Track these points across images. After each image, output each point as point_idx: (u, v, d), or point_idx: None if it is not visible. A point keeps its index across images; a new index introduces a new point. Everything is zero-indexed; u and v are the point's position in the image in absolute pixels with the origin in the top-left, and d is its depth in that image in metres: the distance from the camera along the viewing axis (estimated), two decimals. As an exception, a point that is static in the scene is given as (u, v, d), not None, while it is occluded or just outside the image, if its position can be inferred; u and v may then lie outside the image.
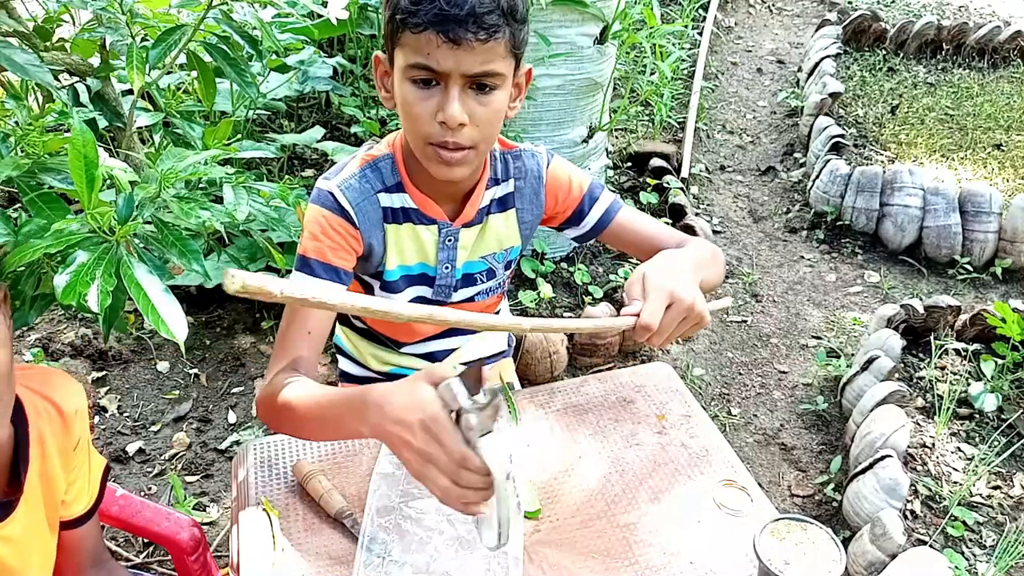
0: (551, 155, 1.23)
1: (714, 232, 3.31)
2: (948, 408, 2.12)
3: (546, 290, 2.57)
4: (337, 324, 1.42)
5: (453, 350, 1.36)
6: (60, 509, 0.94)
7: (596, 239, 1.26)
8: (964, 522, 1.88)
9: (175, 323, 0.85)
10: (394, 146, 1.15)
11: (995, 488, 2.00)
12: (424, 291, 1.22)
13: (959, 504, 1.92)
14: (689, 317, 0.93)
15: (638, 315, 0.92)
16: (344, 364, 1.45)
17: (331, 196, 1.09)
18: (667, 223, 3.03)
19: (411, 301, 1.22)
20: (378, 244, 1.14)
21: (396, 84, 1.01)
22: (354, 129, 2.46)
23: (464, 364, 0.80)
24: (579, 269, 2.75)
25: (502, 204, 1.20)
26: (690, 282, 0.95)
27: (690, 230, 2.95)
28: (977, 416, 2.19)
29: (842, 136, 3.54)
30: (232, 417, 2.26)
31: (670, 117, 3.75)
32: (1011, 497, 1.97)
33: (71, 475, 0.94)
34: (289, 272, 1.12)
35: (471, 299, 1.26)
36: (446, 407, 0.79)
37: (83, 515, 0.97)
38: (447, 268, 1.19)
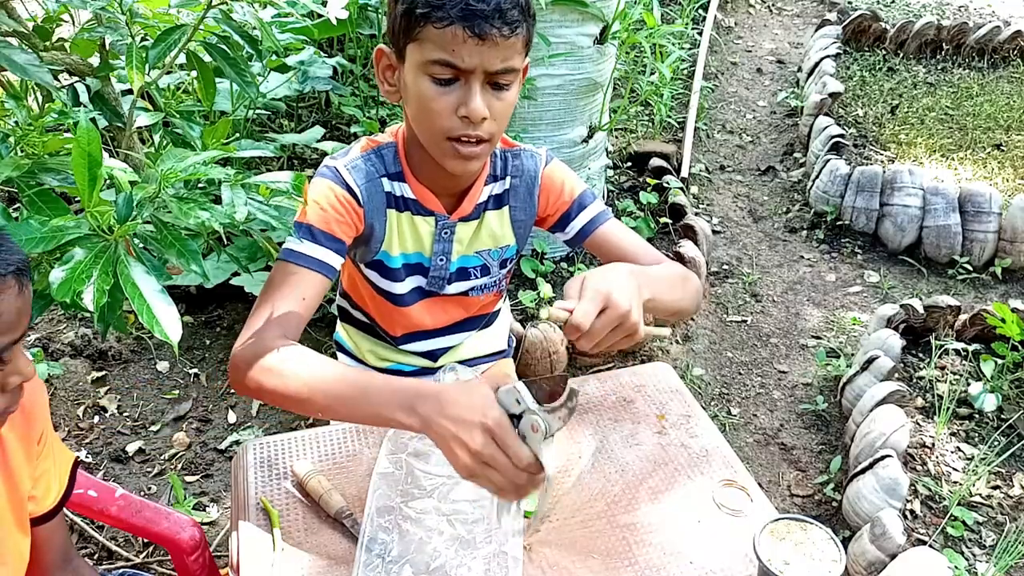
0: (550, 157, 1.23)
1: (714, 232, 3.31)
2: (948, 408, 2.12)
3: (546, 290, 2.57)
4: (338, 321, 1.43)
5: (452, 347, 1.36)
6: (29, 505, 0.93)
7: (580, 246, 1.26)
8: (964, 522, 1.88)
9: (169, 324, 0.84)
10: (397, 136, 1.16)
11: (995, 488, 2.00)
12: (420, 281, 1.23)
13: (959, 504, 1.92)
14: (623, 325, 0.89)
15: (571, 312, 0.88)
16: (344, 361, 1.46)
17: (338, 172, 1.10)
18: (667, 223, 3.04)
19: (410, 291, 1.23)
20: (380, 227, 1.15)
21: (409, 79, 1.01)
22: (354, 129, 2.46)
23: (533, 380, 0.81)
24: (579, 269, 2.75)
25: (498, 201, 1.21)
26: (631, 291, 0.91)
27: (690, 230, 2.95)
28: (977, 416, 2.19)
29: (842, 136, 3.54)
30: (232, 417, 2.26)
31: (670, 117, 3.75)
32: (1011, 497, 1.97)
33: (36, 469, 0.93)
34: None
35: (465, 293, 1.27)
36: (506, 411, 0.80)
37: (53, 509, 0.96)
38: (442, 260, 1.21)
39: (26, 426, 0.89)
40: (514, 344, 1.52)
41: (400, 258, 1.19)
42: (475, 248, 1.23)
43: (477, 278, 1.25)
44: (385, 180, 1.14)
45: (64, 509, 1.01)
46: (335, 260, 1.07)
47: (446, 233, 1.18)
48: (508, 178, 1.20)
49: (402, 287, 1.22)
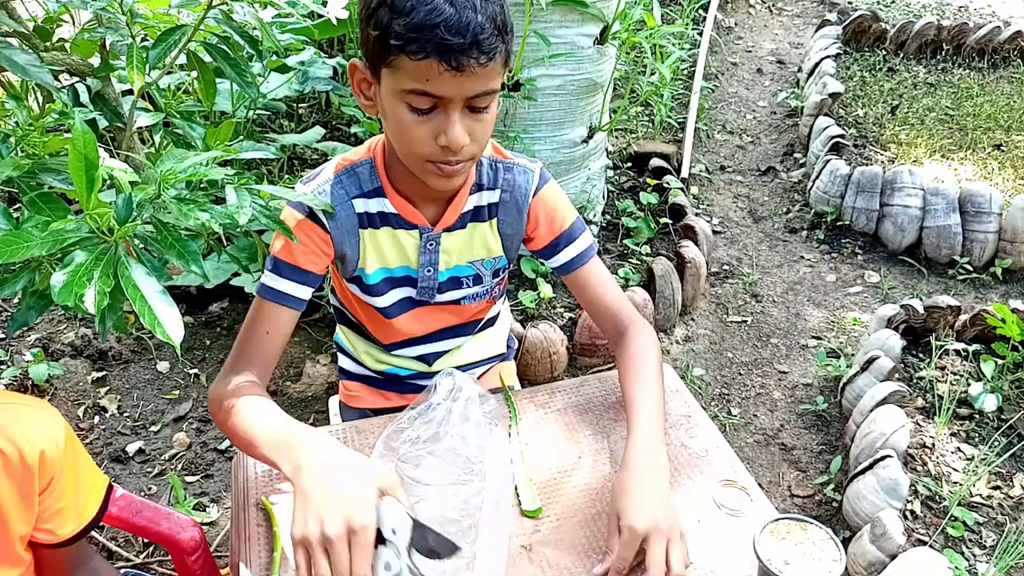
0: (545, 179, 1.21)
1: (714, 232, 3.31)
2: (948, 408, 2.12)
3: (546, 290, 2.57)
4: (337, 323, 1.43)
5: (444, 352, 1.36)
6: (44, 536, 0.94)
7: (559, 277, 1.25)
8: (964, 522, 1.88)
9: (171, 325, 0.84)
10: (374, 151, 1.14)
11: (995, 488, 2.00)
12: (409, 292, 1.22)
13: (959, 504, 1.92)
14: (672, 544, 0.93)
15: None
16: (343, 362, 1.46)
17: (303, 202, 1.10)
18: (667, 223, 3.04)
19: (397, 302, 1.22)
20: (352, 250, 1.14)
21: (386, 103, 0.99)
22: (354, 129, 2.47)
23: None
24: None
25: (487, 212, 1.19)
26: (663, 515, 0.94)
27: (690, 230, 2.95)
28: (977, 416, 2.19)
29: (842, 136, 3.54)
30: (232, 417, 2.26)
31: (670, 117, 3.75)
32: (1011, 497, 1.97)
33: (48, 509, 0.93)
34: None
35: (457, 302, 1.26)
36: (378, 523, 0.77)
37: (74, 536, 0.97)
38: (429, 271, 1.19)
39: (26, 477, 0.88)
40: (515, 346, 1.52)
41: (378, 273, 1.18)
42: (468, 258, 1.22)
43: (469, 287, 1.25)
44: (358, 201, 1.12)
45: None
46: (301, 292, 1.10)
47: (431, 245, 1.17)
48: (498, 191, 1.18)
49: (385, 300, 1.21)
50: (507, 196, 1.18)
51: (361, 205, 1.13)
